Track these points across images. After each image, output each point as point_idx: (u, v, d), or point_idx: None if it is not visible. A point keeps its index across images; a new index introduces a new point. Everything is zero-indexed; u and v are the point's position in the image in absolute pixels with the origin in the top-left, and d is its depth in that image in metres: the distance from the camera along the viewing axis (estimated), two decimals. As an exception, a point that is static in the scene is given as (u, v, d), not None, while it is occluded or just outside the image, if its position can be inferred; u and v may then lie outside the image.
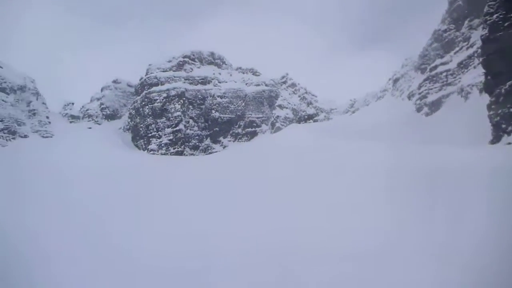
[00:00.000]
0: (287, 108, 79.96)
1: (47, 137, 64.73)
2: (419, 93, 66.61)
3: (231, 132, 73.16)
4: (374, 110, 78.02)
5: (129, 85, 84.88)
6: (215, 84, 75.26)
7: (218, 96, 73.82)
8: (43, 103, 70.78)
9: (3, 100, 63.36)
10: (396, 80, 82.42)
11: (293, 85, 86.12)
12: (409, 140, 42.88)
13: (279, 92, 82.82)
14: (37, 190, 31.30)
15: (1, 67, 67.44)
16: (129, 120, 74.73)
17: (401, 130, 55.25)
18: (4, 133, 60.25)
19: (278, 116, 77.11)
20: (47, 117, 68.37)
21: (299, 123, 77.18)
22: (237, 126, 73.84)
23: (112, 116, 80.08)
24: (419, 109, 65.05)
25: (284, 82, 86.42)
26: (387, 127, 58.96)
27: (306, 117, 78.99)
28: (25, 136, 62.76)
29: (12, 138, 60.94)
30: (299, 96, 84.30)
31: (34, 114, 66.86)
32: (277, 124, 75.48)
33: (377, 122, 63.64)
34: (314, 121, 78.40)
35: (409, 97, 72.42)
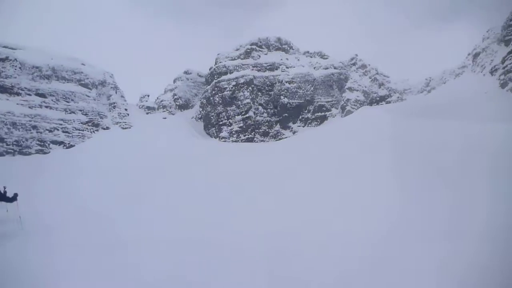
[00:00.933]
0: (357, 90, 77.65)
1: (126, 128, 68.57)
2: (503, 68, 61.36)
3: (300, 117, 72.64)
4: (452, 88, 73.13)
5: (199, 75, 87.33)
6: (283, 70, 74.93)
7: (286, 82, 73.49)
8: (122, 96, 75.11)
9: (86, 95, 67.95)
10: (476, 55, 76.51)
11: (363, 66, 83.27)
12: (493, 119, 39.72)
13: (348, 74, 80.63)
14: (125, 177, 33.31)
15: (83, 64, 72.32)
16: (201, 109, 77.08)
17: (484, 108, 51.39)
18: (89, 125, 64.74)
19: (348, 99, 75.18)
20: (126, 109, 72.39)
21: (371, 105, 74.71)
22: (306, 111, 73.16)
23: (184, 106, 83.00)
24: (503, 85, 60.00)
25: (354, 64, 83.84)
26: (468, 105, 55.05)
27: (378, 99, 76.33)
28: (107, 128, 66.94)
29: (96, 130, 65.31)
30: (370, 78, 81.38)
31: (114, 107, 71.10)
32: (348, 107, 73.64)
33: (457, 101, 59.68)
34: (387, 102, 75.52)
35: (492, 72, 66.93)
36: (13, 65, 63.52)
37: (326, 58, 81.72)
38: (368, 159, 29.29)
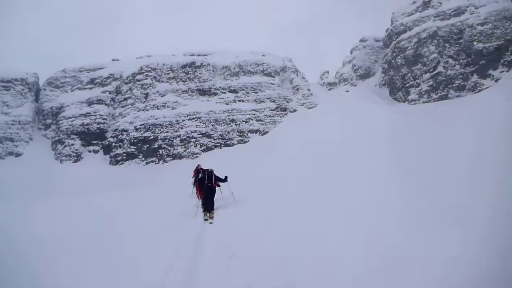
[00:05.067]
0: None
1: (311, 107, 70.76)
2: None
3: (502, 61, 62.42)
4: None
5: (376, 40, 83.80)
6: (471, 12, 65.63)
7: (477, 25, 64.15)
8: (303, 77, 77.76)
9: (271, 83, 72.53)
10: None
11: None
12: None
13: (561, -4, 65.83)
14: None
15: (264, 55, 77.22)
16: (383, 75, 73.89)
17: None
18: (278, 111, 69.14)
19: None
20: (309, 90, 74.69)
21: None
22: (509, 52, 62.46)
23: (365, 75, 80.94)
24: None
25: None
26: None
27: None
28: (294, 111, 70.40)
29: (285, 114, 69.31)
30: None
31: (297, 89, 74.15)
32: None
33: None
34: None
35: None
36: (207, 70, 72.00)
37: (526, -16, 68.33)
38: None
